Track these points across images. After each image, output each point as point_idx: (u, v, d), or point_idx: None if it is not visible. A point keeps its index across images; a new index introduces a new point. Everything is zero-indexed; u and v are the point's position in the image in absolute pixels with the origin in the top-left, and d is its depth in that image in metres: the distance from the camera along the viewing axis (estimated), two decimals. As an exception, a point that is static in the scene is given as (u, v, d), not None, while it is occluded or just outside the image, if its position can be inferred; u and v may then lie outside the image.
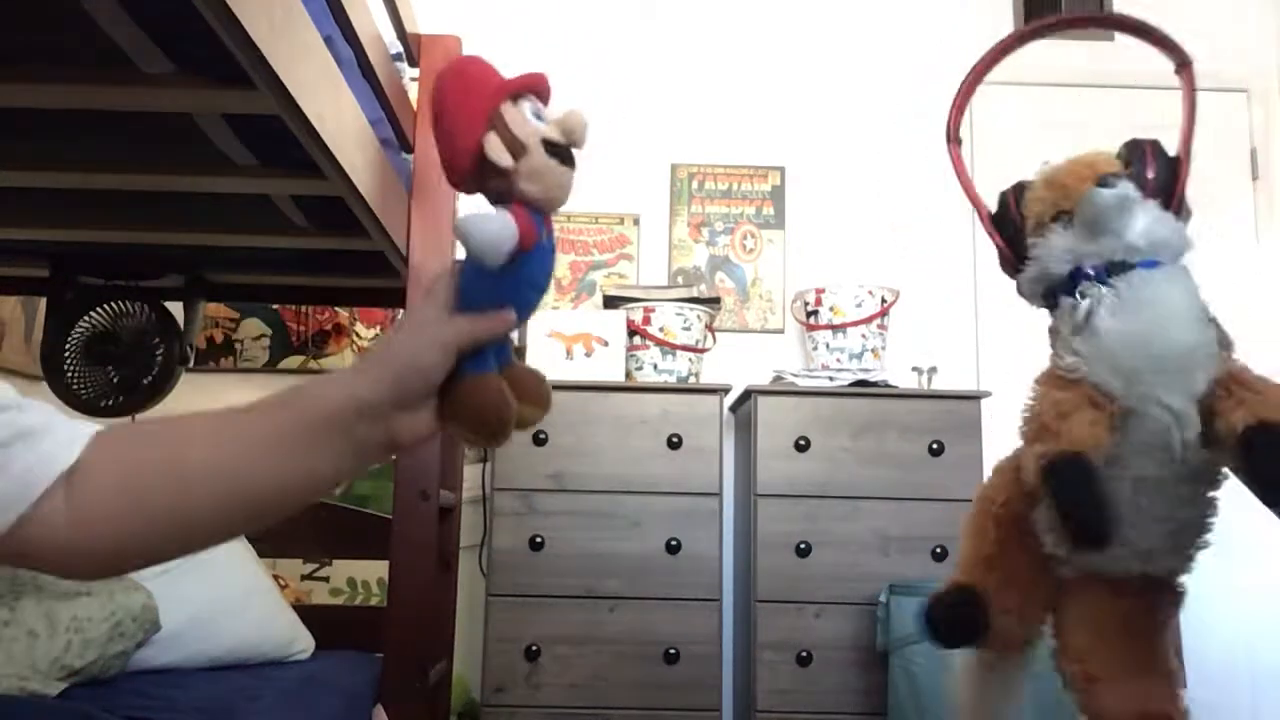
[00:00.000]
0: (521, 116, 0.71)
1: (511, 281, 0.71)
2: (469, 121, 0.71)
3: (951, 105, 1.14)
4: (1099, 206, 0.86)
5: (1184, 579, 0.92)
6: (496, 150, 0.70)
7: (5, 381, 1.70)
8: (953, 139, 1.14)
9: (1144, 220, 0.86)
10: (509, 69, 0.74)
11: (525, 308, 0.74)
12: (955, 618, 0.96)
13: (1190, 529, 0.88)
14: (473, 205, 0.73)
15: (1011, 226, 1.00)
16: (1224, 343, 0.84)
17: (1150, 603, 0.90)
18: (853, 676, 2.42)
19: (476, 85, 0.72)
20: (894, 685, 2.29)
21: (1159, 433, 0.83)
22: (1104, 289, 0.86)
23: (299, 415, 0.68)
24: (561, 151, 0.72)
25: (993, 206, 1.10)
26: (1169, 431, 0.82)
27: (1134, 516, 0.83)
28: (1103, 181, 0.87)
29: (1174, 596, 0.92)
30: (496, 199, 0.73)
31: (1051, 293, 0.93)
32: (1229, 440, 0.80)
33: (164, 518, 0.66)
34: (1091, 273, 0.88)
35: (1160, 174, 0.90)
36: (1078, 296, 0.88)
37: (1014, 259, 0.98)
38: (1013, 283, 1.10)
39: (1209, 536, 0.89)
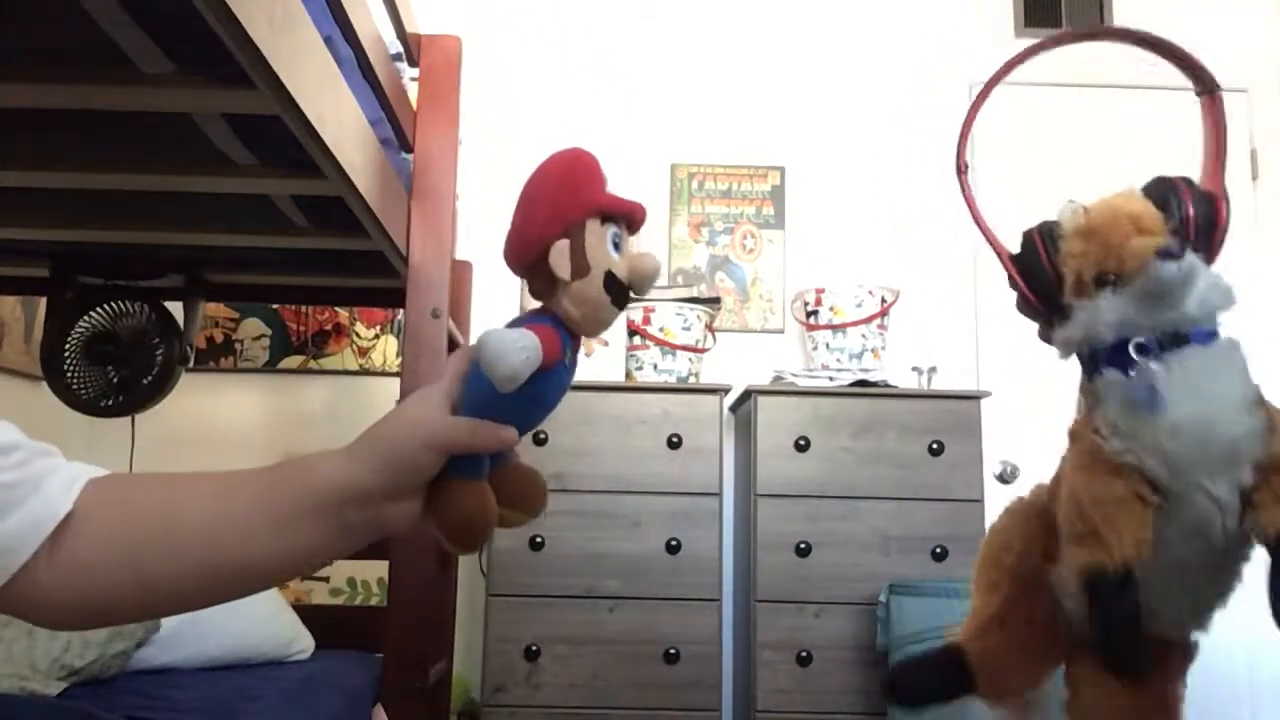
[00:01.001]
0: (600, 239, 0.69)
1: (522, 399, 0.68)
2: (550, 220, 0.68)
3: (960, 135, 1.08)
4: (1164, 284, 0.81)
5: (1197, 636, 0.91)
6: (559, 261, 0.67)
7: (6, 382, 1.69)
8: (962, 170, 1.08)
9: (1201, 286, 0.82)
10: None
11: (530, 421, 0.72)
12: (933, 682, 0.95)
13: (1213, 601, 0.87)
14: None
15: (1044, 278, 0.92)
16: (1275, 426, 0.80)
17: (1163, 660, 0.89)
18: (853, 676, 2.42)
19: (577, 187, 0.70)
20: (894, 685, 2.29)
21: (1201, 520, 0.80)
22: (1158, 368, 0.81)
23: (294, 492, 0.68)
24: (619, 291, 0.69)
25: (1007, 240, 1.03)
26: (1210, 519, 0.80)
27: (1164, 593, 0.81)
28: (1165, 252, 0.81)
29: (1185, 653, 0.91)
30: (537, 296, 0.71)
31: (1087, 358, 0.89)
32: (1261, 539, 0.79)
33: (152, 577, 0.66)
34: (1146, 346, 0.82)
35: (1200, 216, 0.87)
36: (1128, 372, 0.82)
37: (1044, 310, 0.92)
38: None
39: (1229, 596, 0.88)
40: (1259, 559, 0.90)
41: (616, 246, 0.70)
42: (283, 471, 0.69)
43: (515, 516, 0.73)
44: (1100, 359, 0.86)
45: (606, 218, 0.70)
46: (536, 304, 0.71)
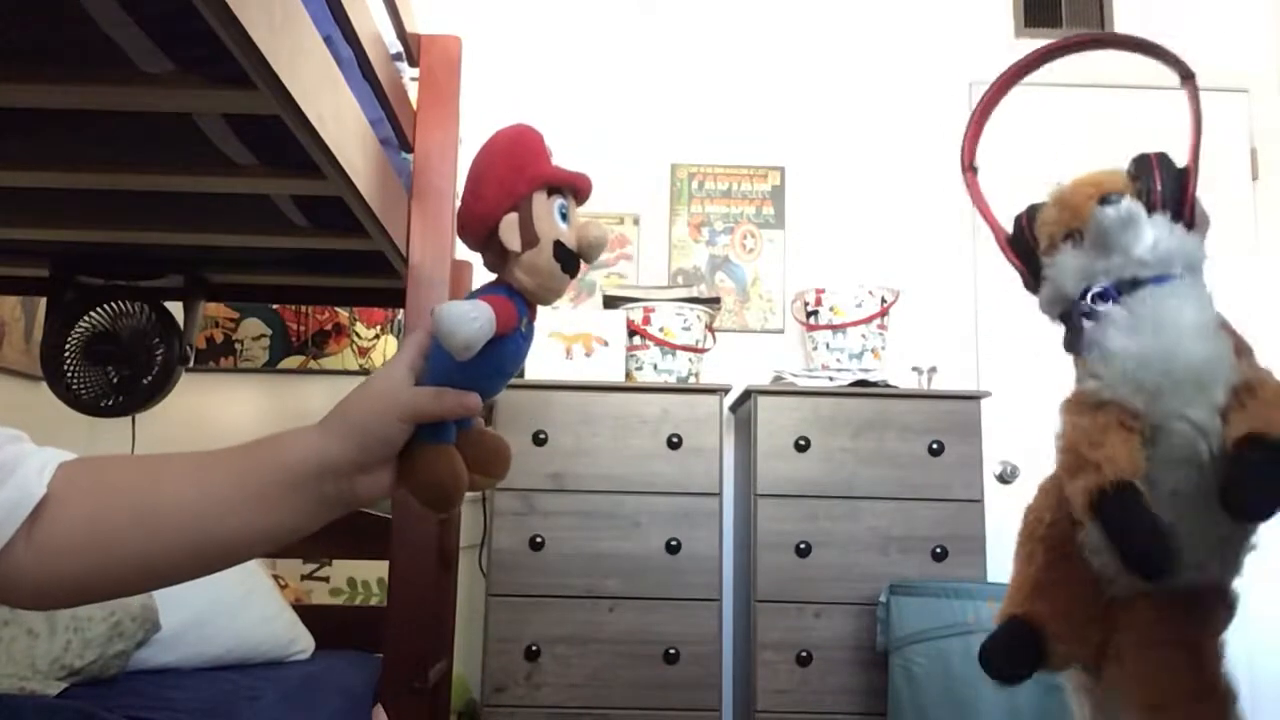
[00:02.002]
0: (547, 211, 0.72)
1: (481, 366, 0.71)
2: (499, 194, 0.72)
3: (964, 135, 1.13)
4: (1102, 224, 0.87)
5: (1235, 586, 0.92)
6: (509, 233, 0.71)
7: (6, 382, 1.69)
8: (967, 168, 1.13)
9: (1152, 235, 0.86)
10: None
11: (491, 391, 0.75)
12: (1011, 652, 0.96)
13: (1234, 536, 0.88)
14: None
15: (1026, 248, 0.99)
16: (1241, 350, 0.84)
17: (1204, 616, 0.90)
18: (853, 676, 2.42)
19: (522, 163, 0.72)
20: (894, 685, 2.29)
21: (1184, 447, 0.83)
22: (1115, 307, 0.85)
23: (268, 468, 0.69)
24: (568, 259, 0.73)
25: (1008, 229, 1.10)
26: (1194, 445, 0.82)
27: (1179, 525, 0.83)
28: (1105, 199, 0.87)
29: (1226, 605, 0.92)
30: (491, 268, 0.74)
31: (1069, 314, 0.93)
32: (1228, 445, 0.80)
33: (130, 555, 0.67)
34: (1102, 291, 0.87)
35: (1168, 185, 0.90)
36: (1090, 317, 0.87)
37: (1034, 282, 0.98)
38: (1013, 284, 1.10)
39: (1254, 539, 0.89)
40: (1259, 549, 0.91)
41: (564, 217, 0.73)
42: (257, 450, 0.70)
43: (482, 480, 0.76)
44: (1075, 317, 0.91)
45: (553, 190, 0.73)
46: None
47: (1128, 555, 0.82)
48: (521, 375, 2.55)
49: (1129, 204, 0.86)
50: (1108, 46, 1.05)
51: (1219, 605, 0.91)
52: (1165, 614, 0.89)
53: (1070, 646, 0.96)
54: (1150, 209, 0.89)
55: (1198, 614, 0.89)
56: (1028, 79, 1.14)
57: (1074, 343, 0.92)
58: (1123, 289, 0.86)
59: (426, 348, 0.72)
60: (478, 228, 0.73)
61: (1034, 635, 0.95)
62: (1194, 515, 0.82)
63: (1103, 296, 0.87)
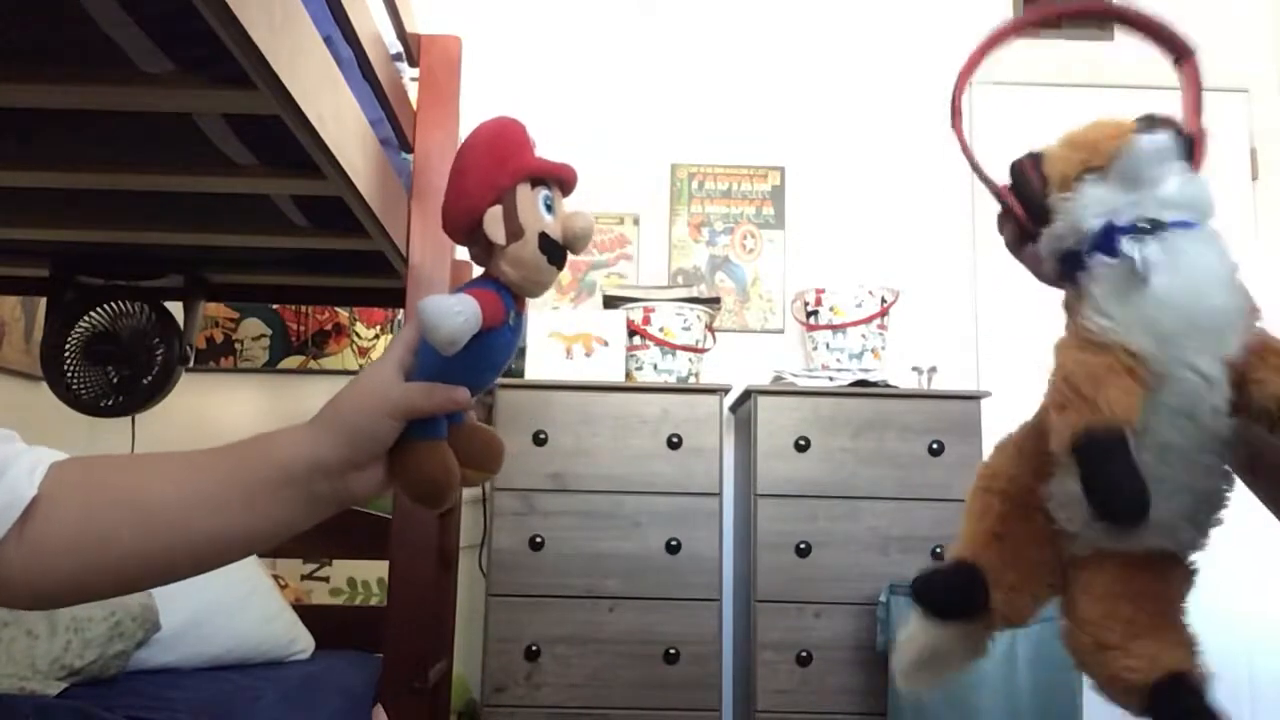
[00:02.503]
0: (532, 203, 0.72)
1: (470, 361, 0.71)
2: (482, 188, 0.71)
3: (955, 85, 1.09)
4: (1142, 153, 0.83)
5: (1195, 557, 0.90)
6: (493, 226, 0.70)
7: (6, 382, 1.69)
8: (957, 115, 1.09)
9: (1178, 178, 0.84)
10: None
11: (481, 385, 0.74)
12: (950, 590, 0.94)
13: (1208, 502, 0.86)
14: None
15: (1032, 189, 0.94)
16: (1254, 310, 0.82)
17: (1163, 577, 0.88)
18: (853, 676, 2.42)
19: (505, 155, 0.72)
20: (894, 685, 2.29)
21: (1187, 397, 0.81)
22: (1143, 244, 0.82)
23: (259, 467, 0.69)
24: (554, 251, 0.72)
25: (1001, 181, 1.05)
26: (1198, 396, 0.80)
27: (1156, 486, 0.81)
28: (1143, 128, 0.84)
29: (1186, 574, 0.90)
30: (477, 262, 0.74)
31: (1073, 257, 0.90)
32: (1271, 405, 0.79)
33: (123, 554, 0.67)
34: (1131, 227, 0.84)
35: (1179, 141, 0.89)
36: (1119, 253, 0.84)
37: (1034, 226, 0.94)
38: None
39: (1223, 513, 0.87)
40: (1245, 538, 0.90)
41: (549, 208, 0.73)
42: (249, 449, 0.71)
43: (474, 475, 0.75)
44: (1085, 251, 0.88)
45: (537, 181, 0.73)
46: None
47: (1100, 497, 0.79)
48: (521, 375, 2.56)
49: (1166, 136, 0.84)
50: (1107, 18, 1.02)
51: (1178, 571, 0.89)
52: (1125, 570, 0.87)
53: (1018, 600, 0.94)
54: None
55: (1157, 574, 0.87)
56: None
57: (1076, 279, 0.89)
58: (1145, 230, 0.84)
59: (415, 344, 0.72)
60: (462, 222, 0.72)
61: (980, 581, 0.93)
62: (1178, 472, 0.81)
63: (1134, 232, 0.83)
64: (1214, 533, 0.86)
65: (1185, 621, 0.87)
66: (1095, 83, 3.05)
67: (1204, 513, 0.86)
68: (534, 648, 2.39)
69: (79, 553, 0.66)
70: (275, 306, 2.96)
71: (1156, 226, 0.83)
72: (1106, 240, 0.85)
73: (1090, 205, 0.87)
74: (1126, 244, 0.83)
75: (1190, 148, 0.88)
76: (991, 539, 0.92)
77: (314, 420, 0.71)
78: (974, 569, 0.92)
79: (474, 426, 0.76)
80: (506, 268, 0.72)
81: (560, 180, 0.75)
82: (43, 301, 2.25)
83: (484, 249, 0.72)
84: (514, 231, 0.71)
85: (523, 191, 0.72)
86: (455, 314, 0.67)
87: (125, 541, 0.67)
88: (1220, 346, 0.80)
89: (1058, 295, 0.95)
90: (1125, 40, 3.37)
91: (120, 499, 0.68)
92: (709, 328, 2.72)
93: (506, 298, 0.72)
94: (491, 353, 0.73)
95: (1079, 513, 0.87)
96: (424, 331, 0.68)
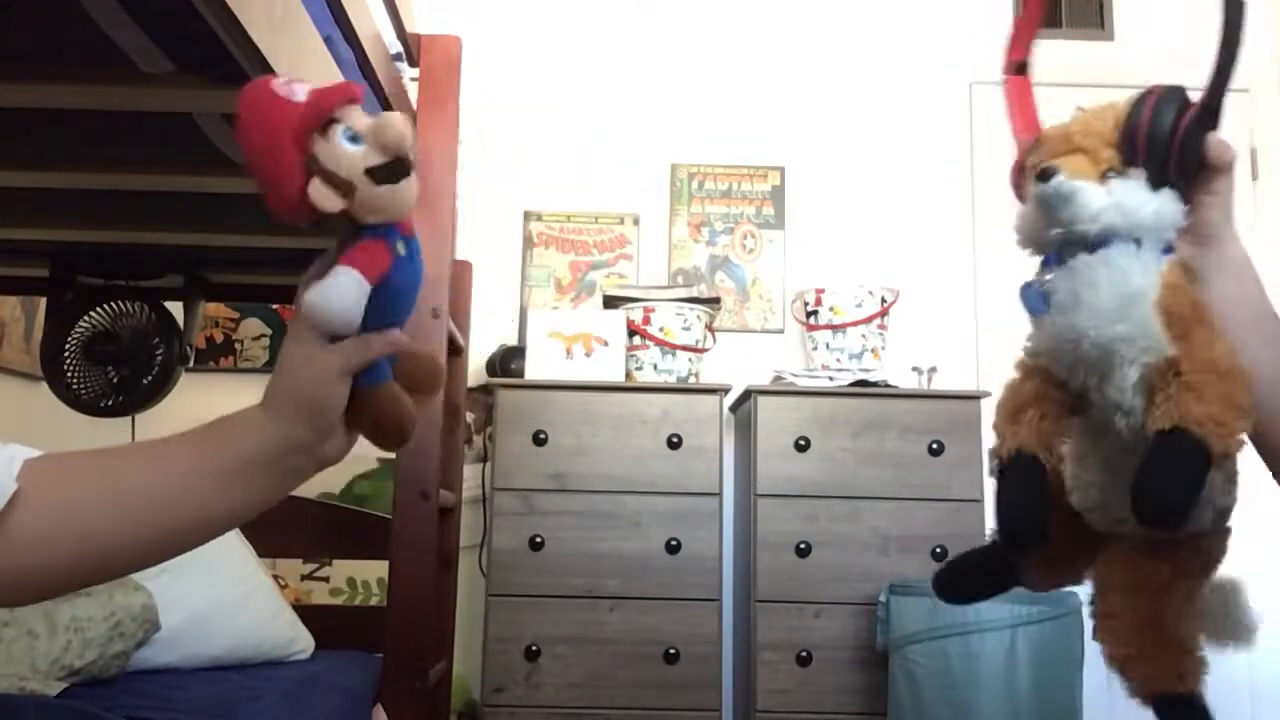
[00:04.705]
0: (336, 151, 0.66)
1: (383, 304, 0.70)
2: (281, 173, 0.66)
3: (1013, 28, 1.07)
4: (1037, 200, 0.83)
5: (1212, 532, 0.90)
6: (324, 199, 0.66)
7: (6, 382, 1.69)
8: (1011, 68, 1.08)
9: (1100, 203, 0.81)
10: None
11: (404, 314, 0.74)
12: (984, 574, 0.97)
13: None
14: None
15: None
16: (1170, 321, 0.78)
17: (1171, 559, 0.89)
18: (853, 676, 2.42)
19: (273, 125, 0.66)
20: (894, 685, 2.29)
21: (1105, 420, 0.83)
22: (1053, 275, 0.83)
23: (236, 451, 0.70)
24: (388, 172, 0.67)
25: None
26: (1112, 418, 0.82)
27: (1113, 490, 0.83)
28: (1042, 172, 0.82)
29: (1199, 554, 0.90)
30: (339, 226, 0.70)
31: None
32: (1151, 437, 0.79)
33: (103, 542, 0.68)
34: (1045, 259, 0.85)
35: (1156, 136, 0.86)
36: (1032, 285, 0.85)
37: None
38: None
39: (1227, 496, 0.87)
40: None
41: (354, 139, 0.67)
42: (219, 433, 0.71)
43: (423, 402, 0.76)
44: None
45: (325, 125, 0.67)
46: None
47: (998, 524, 0.83)
48: (521, 375, 2.56)
49: (1060, 180, 0.83)
50: None
51: (1190, 554, 0.89)
52: (1134, 555, 0.89)
53: (1055, 575, 0.96)
54: (1131, 160, 0.85)
55: (1164, 560, 0.88)
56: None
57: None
58: (1065, 253, 0.83)
59: None
60: (295, 213, 0.68)
61: (1009, 569, 0.95)
62: (1126, 480, 0.81)
63: (1046, 263, 0.85)
64: (1212, 510, 0.86)
65: (1190, 631, 0.88)
66: (1095, 83, 3.05)
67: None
68: (534, 648, 2.39)
69: (59, 543, 0.66)
70: (275, 306, 2.96)
71: (1077, 247, 0.83)
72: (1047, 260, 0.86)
73: (1017, 225, 0.88)
74: (1038, 273, 0.85)
75: (1175, 129, 0.86)
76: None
77: (269, 403, 0.71)
78: (1004, 554, 0.95)
79: (409, 355, 0.76)
80: (365, 215, 0.68)
81: (343, 102, 0.68)
82: (43, 301, 2.25)
83: (336, 219, 0.68)
84: (343, 187, 0.66)
85: (320, 146, 0.66)
86: (338, 300, 0.67)
87: (103, 531, 0.67)
88: (1121, 374, 0.80)
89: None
90: (1125, 40, 3.37)
91: (96, 489, 0.68)
92: (709, 328, 2.72)
93: (386, 235, 0.70)
94: (398, 290, 0.72)
95: (1078, 497, 0.89)
96: (316, 327, 0.68)
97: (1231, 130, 0.85)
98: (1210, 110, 0.86)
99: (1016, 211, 0.89)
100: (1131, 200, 0.82)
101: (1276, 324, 0.88)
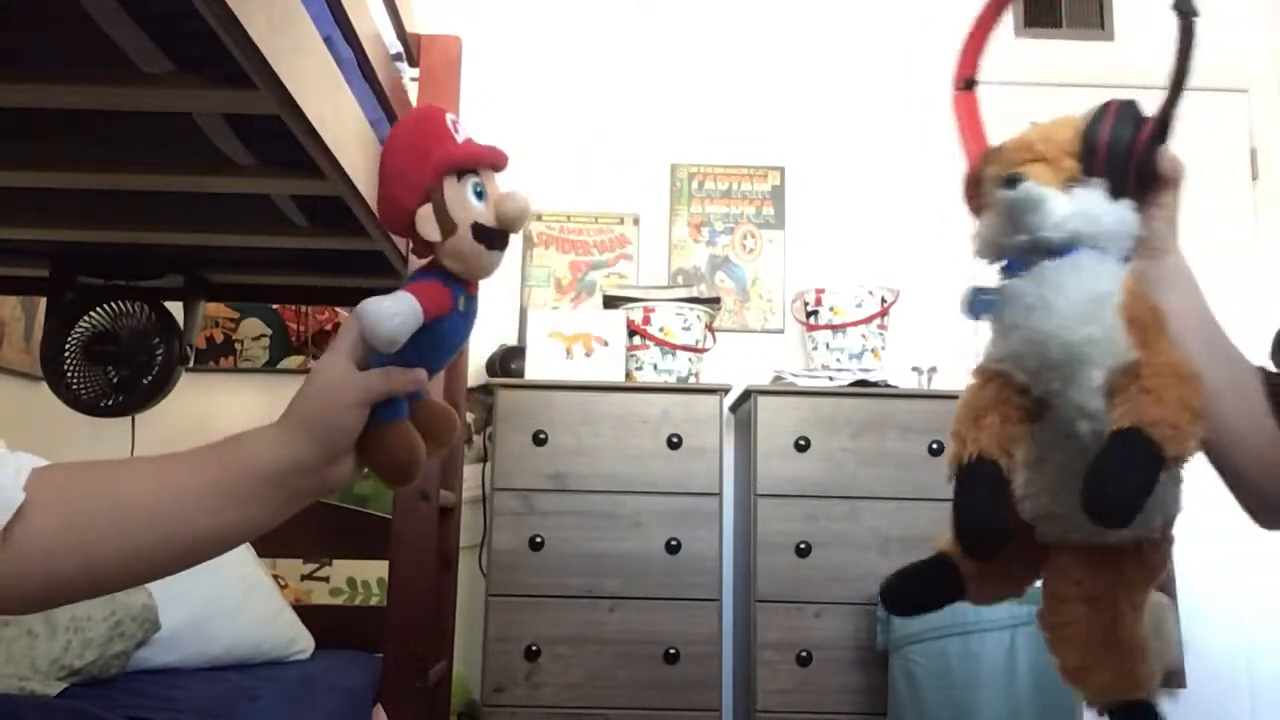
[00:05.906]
0: (460, 195, 0.73)
1: (423, 347, 0.73)
2: (408, 189, 0.72)
3: (963, 44, 1.08)
4: (999, 208, 0.84)
5: (1151, 545, 0.90)
6: (426, 226, 0.72)
7: (6, 382, 1.70)
8: (960, 84, 1.09)
9: (1064, 210, 0.82)
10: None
11: (438, 364, 0.77)
12: (929, 586, 0.97)
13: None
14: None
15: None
16: (1132, 324, 0.79)
17: (1116, 571, 0.89)
18: (853, 676, 2.42)
19: (425, 152, 0.73)
20: (894, 685, 2.29)
21: (1067, 425, 0.83)
22: (1013, 282, 0.84)
23: (241, 471, 0.71)
24: (491, 237, 0.73)
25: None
26: (1075, 424, 0.82)
27: (1067, 496, 0.83)
28: (1007, 179, 0.83)
29: (1144, 565, 0.90)
30: (421, 256, 0.76)
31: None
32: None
33: (109, 554, 0.68)
34: (1007, 264, 0.86)
35: (1117, 147, 0.86)
36: (991, 292, 0.87)
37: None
38: None
39: (1171, 506, 0.87)
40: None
41: (480, 195, 0.74)
42: (226, 453, 0.72)
43: (432, 449, 0.78)
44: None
45: (464, 171, 0.73)
46: None
47: (956, 527, 0.84)
48: (521, 375, 2.56)
49: (1028, 187, 0.83)
50: None
51: (1135, 563, 0.90)
52: (1081, 562, 0.89)
53: (1001, 588, 0.97)
54: (1090, 171, 0.85)
55: (1110, 569, 0.89)
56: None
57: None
58: (1028, 260, 0.84)
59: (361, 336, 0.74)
60: (397, 223, 0.74)
61: (956, 581, 0.96)
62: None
63: (1007, 269, 0.86)
64: (1161, 517, 0.87)
65: (1141, 631, 0.89)
66: (1095, 83, 3.05)
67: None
68: (534, 648, 2.39)
69: (65, 554, 0.67)
70: (275, 306, 2.96)
71: (1039, 255, 0.83)
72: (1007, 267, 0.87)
73: (979, 234, 0.89)
74: (998, 281, 0.86)
75: (1135, 140, 0.86)
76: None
77: (283, 422, 0.72)
78: (951, 564, 0.95)
79: (430, 403, 0.79)
80: (447, 260, 0.73)
81: (489, 164, 0.75)
82: (43, 301, 2.25)
83: (424, 244, 0.74)
84: (447, 227, 0.72)
85: (450, 185, 0.72)
86: (391, 317, 0.69)
87: (109, 543, 0.68)
88: (1082, 377, 0.80)
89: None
90: (1125, 40, 3.37)
91: (102, 502, 0.69)
92: (709, 328, 2.72)
93: (453, 285, 0.74)
94: (443, 338, 0.75)
95: (1029, 506, 0.89)
96: (364, 334, 0.70)
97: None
98: (1164, 125, 0.87)
99: (978, 221, 0.90)
100: (1095, 209, 0.82)
101: (1223, 336, 0.90)
